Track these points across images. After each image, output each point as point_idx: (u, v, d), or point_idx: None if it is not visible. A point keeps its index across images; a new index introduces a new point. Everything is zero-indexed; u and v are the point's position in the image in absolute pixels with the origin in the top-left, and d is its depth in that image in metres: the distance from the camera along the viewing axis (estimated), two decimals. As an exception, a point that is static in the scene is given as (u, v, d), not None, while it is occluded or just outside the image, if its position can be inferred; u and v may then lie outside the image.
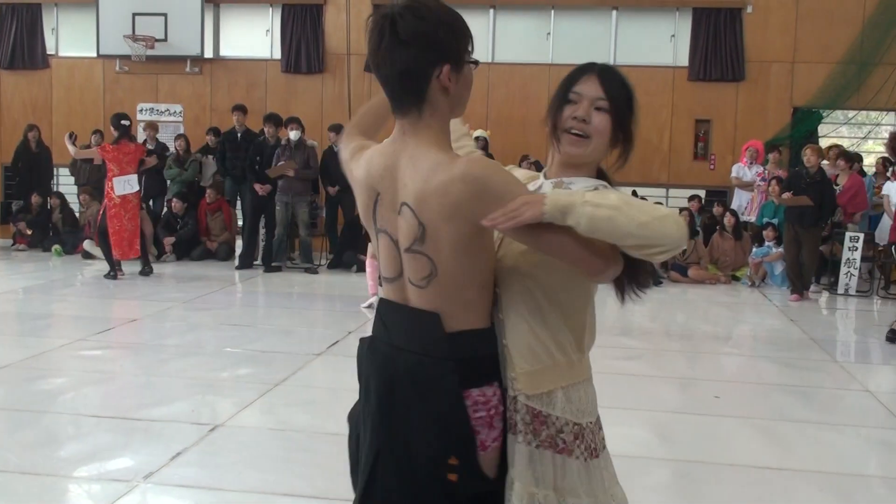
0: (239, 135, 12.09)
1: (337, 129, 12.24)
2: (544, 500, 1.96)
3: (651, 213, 1.80)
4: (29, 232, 13.09)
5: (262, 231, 11.73)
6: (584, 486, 1.97)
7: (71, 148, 11.14)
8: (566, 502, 1.96)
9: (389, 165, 2.02)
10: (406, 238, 1.96)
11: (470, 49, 2.04)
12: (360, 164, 2.14)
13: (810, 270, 10.38)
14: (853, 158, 11.74)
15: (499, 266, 2.01)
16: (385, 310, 2.09)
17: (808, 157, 10.22)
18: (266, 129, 11.61)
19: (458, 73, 2.00)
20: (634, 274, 2.03)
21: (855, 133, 15.26)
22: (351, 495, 3.97)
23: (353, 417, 2.21)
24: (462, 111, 2.09)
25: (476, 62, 2.07)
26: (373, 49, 1.96)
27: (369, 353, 2.12)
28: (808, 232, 10.17)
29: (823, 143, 14.09)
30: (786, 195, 10.34)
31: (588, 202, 1.78)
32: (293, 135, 11.50)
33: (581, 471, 1.97)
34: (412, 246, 1.95)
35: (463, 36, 2.02)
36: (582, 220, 1.78)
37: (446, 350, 1.95)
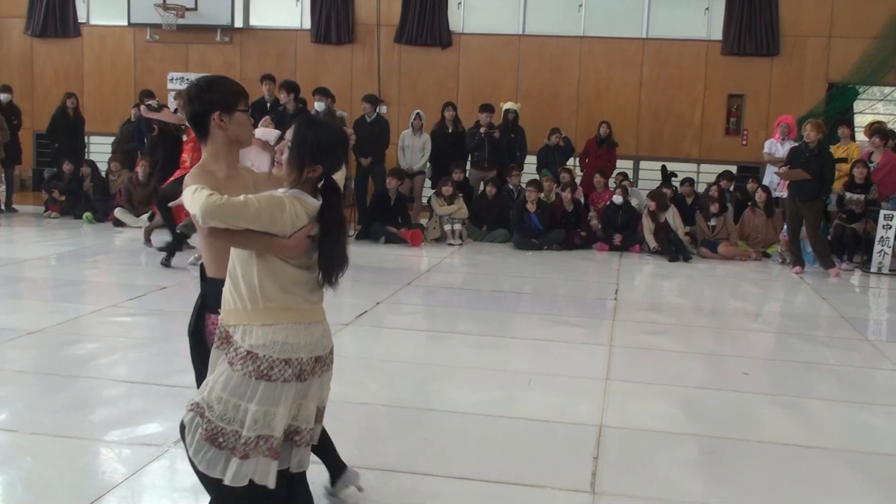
0: (268, 104, 12.06)
1: (371, 100, 12.21)
2: (211, 391, 2.92)
3: (195, 198, 2.74)
4: (61, 199, 13.20)
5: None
6: (232, 386, 2.88)
7: (164, 114, 10.41)
8: (216, 386, 2.92)
9: None
10: None
11: (242, 102, 3.17)
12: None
13: (820, 245, 10.26)
14: (888, 135, 11.54)
15: None
16: None
17: (807, 132, 10.12)
18: (281, 97, 11.39)
19: (229, 116, 3.12)
20: (329, 267, 2.97)
21: (892, 110, 15.04)
22: (379, 464, 4.02)
23: None
24: (245, 142, 3.23)
25: (247, 110, 3.22)
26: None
27: None
28: (808, 205, 10.07)
29: (859, 119, 13.91)
30: (783, 169, 10.28)
31: (187, 190, 2.82)
32: (318, 105, 11.46)
33: (240, 382, 2.87)
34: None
35: (232, 94, 3.16)
36: (185, 197, 2.82)
37: (202, 287, 3.22)
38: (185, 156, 9.81)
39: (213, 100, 3.13)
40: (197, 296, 3.31)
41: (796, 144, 11.88)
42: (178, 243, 9.21)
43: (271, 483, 2.92)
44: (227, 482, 2.89)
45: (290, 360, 2.89)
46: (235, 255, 2.92)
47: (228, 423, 2.88)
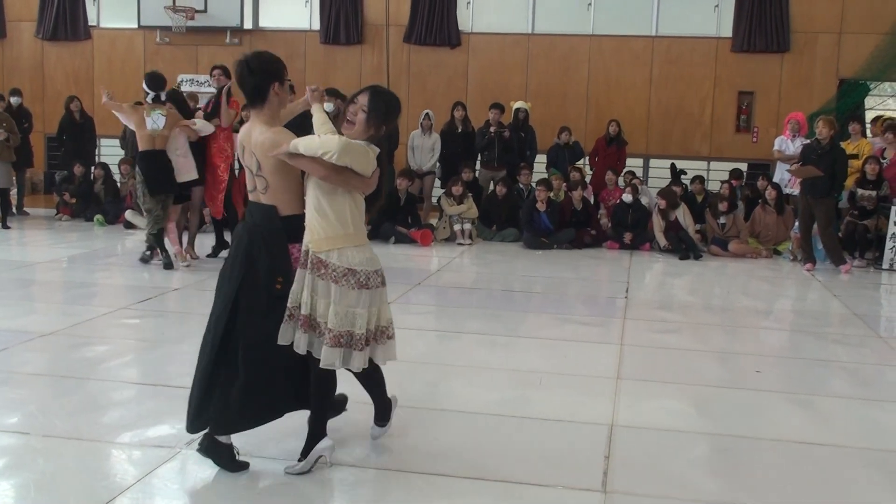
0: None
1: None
2: (317, 302, 3.75)
3: (326, 141, 3.61)
4: (72, 201, 13.24)
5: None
6: (346, 300, 3.71)
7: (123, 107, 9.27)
8: (332, 307, 3.70)
9: (247, 132, 3.90)
10: (254, 167, 3.86)
11: (286, 72, 3.92)
12: (240, 131, 4.01)
13: (832, 241, 10.21)
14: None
15: (307, 181, 3.80)
16: (251, 207, 3.94)
17: (819, 128, 10.08)
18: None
19: (281, 85, 3.87)
20: (377, 198, 3.95)
21: (903, 106, 14.95)
22: (390, 465, 4.00)
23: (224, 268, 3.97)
24: (286, 104, 4.10)
25: (291, 83, 4.36)
26: (237, 77, 3.88)
27: (243, 226, 3.95)
28: (819, 202, 10.02)
29: (870, 115, 13.83)
30: (795, 166, 10.24)
31: (301, 140, 3.66)
32: (328, 107, 11.46)
33: (348, 294, 3.71)
34: (258, 172, 3.85)
35: (281, 67, 3.92)
36: (299, 146, 3.65)
37: (279, 224, 3.83)
38: (214, 146, 9.45)
39: (271, 71, 3.86)
40: (232, 267, 3.88)
41: (807, 141, 11.84)
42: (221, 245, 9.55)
43: (365, 366, 3.83)
44: (355, 370, 3.83)
45: (377, 271, 3.81)
46: (321, 193, 3.71)
47: (342, 327, 3.70)
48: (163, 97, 9.04)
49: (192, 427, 3.92)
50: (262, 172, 3.80)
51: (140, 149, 8.89)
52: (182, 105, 9.51)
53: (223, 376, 3.81)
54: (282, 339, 3.76)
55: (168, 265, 8.96)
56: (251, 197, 3.93)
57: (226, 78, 9.34)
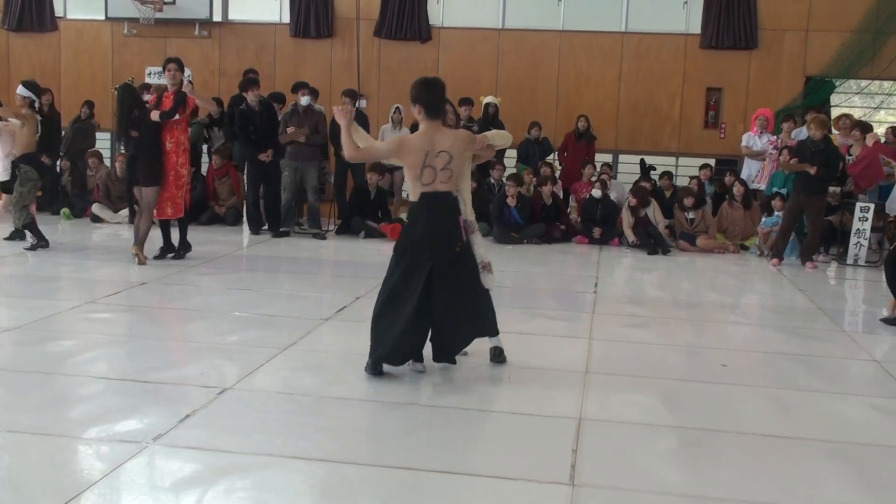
0: (258, 109, 11.63)
1: (351, 94, 12.01)
2: (480, 250, 5.42)
3: (504, 135, 5.67)
4: (38, 194, 13.05)
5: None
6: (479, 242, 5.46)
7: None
8: (481, 252, 5.45)
9: (429, 137, 5.07)
10: (442, 164, 5.05)
11: None
12: (412, 139, 5.18)
13: (814, 238, 10.33)
14: (867, 129, 11.61)
15: (464, 167, 5.29)
16: (432, 195, 5.08)
17: (812, 130, 10.22)
18: (250, 96, 11.18)
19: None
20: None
21: (867, 103, 15.15)
22: (360, 459, 4.00)
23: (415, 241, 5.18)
24: None
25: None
26: (434, 93, 5.16)
27: (427, 210, 5.11)
28: (812, 199, 10.14)
29: (835, 112, 14.00)
30: (792, 161, 10.33)
31: (493, 135, 5.53)
32: (304, 100, 11.43)
33: (478, 237, 5.44)
34: (446, 166, 5.05)
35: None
36: (496, 140, 5.48)
37: (456, 204, 5.18)
38: (186, 132, 9.28)
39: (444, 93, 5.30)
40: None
41: (773, 137, 11.98)
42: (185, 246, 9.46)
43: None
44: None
45: None
46: (467, 174, 5.43)
47: (484, 259, 5.45)
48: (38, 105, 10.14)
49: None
50: (451, 165, 5.05)
51: (25, 152, 9.78)
52: (137, 100, 9.13)
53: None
54: (487, 285, 5.46)
55: (32, 248, 9.63)
56: (426, 189, 5.04)
57: (181, 73, 9.05)
